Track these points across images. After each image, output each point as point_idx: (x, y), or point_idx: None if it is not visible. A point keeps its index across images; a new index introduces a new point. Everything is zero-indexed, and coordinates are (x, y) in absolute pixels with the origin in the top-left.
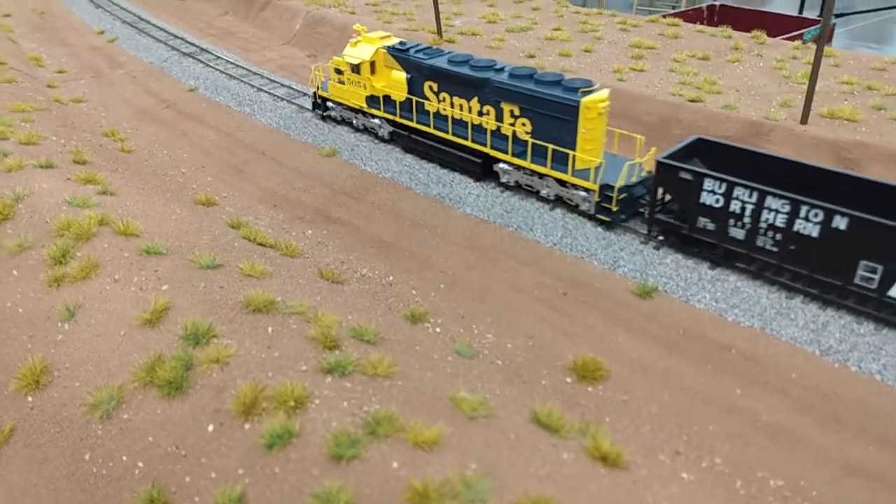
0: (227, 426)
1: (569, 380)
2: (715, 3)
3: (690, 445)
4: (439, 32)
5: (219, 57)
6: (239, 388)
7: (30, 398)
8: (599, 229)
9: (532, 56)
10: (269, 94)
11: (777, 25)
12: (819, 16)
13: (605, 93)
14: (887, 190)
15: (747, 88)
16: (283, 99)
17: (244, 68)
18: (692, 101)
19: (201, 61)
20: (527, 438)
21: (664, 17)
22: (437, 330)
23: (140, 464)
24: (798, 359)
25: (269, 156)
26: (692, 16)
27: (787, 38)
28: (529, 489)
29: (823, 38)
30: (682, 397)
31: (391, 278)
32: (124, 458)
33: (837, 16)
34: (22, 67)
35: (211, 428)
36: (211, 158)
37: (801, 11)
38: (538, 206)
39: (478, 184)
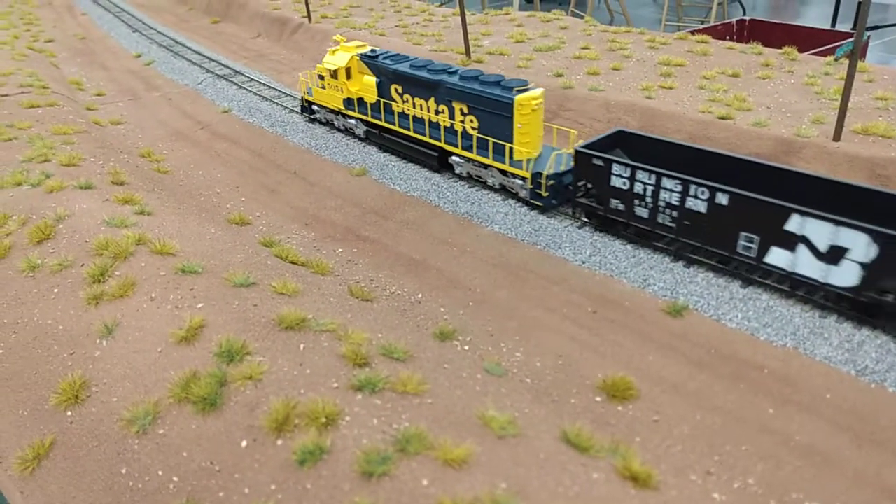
0: (260, 442)
1: (598, 399)
2: (745, 18)
3: (723, 466)
4: (468, 53)
5: (252, 79)
6: (272, 405)
7: (69, 413)
8: (629, 247)
9: (560, 75)
10: (301, 115)
11: (809, 39)
12: (852, 29)
13: (538, 91)
14: (779, 172)
15: (778, 105)
16: (314, 119)
17: (277, 90)
18: (722, 118)
19: (235, 83)
20: (556, 458)
21: (693, 33)
22: (466, 348)
23: (175, 478)
24: (833, 379)
25: (301, 175)
26: (721, 31)
27: (820, 52)
28: None
29: (857, 54)
30: (713, 417)
31: (420, 296)
32: (160, 472)
33: (870, 28)
34: (63, 91)
35: (244, 444)
36: (245, 178)
37: (833, 25)
38: (566, 224)
39: (506, 202)
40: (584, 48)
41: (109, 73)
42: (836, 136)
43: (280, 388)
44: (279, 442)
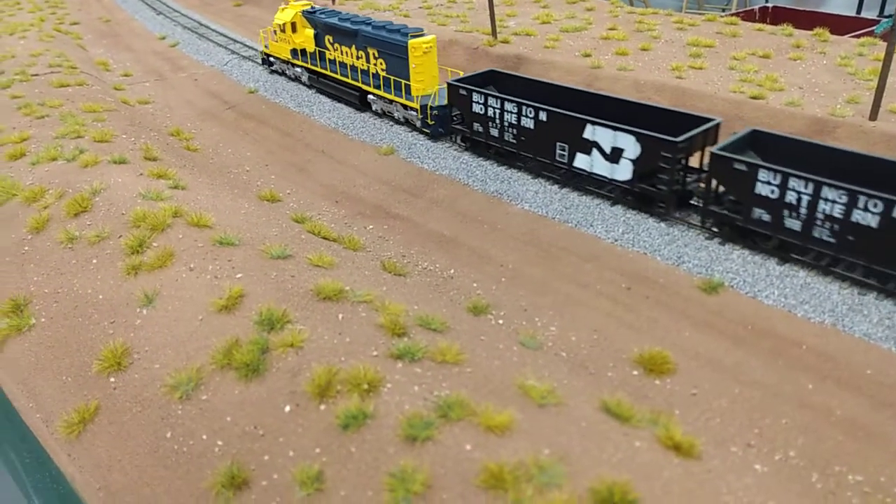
0: (303, 407)
1: (635, 372)
2: (767, 4)
3: (763, 438)
4: (494, 33)
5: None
6: (314, 372)
7: (112, 379)
8: (662, 225)
9: (588, 55)
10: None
11: (834, 26)
12: (879, 16)
13: (430, 37)
14: (603, 98)
15: (811, 86)
16: (340, 99)
17: None
18: (754, 98)
19: (275, 70)
20: (598, 427)
21: (721, 17)
22: (500, 322)
23: (219, 442)
24: (872, 355)
25: (329, 154)
26: (744, 18)
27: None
28: (604, 475)
29: None
30: (752, 391)
31: (452, 272)
32: (204, 436)
33: (889, 16)
34: (91, 71)
35: (287, 409)
36: (273, 157)
37: (859, 11)
38: (598, 202)
39: (536, 180)
40: (611, 29)
41: (135, 55)
42: (873, 116)
43: (321, 355)
44: (322, 407)
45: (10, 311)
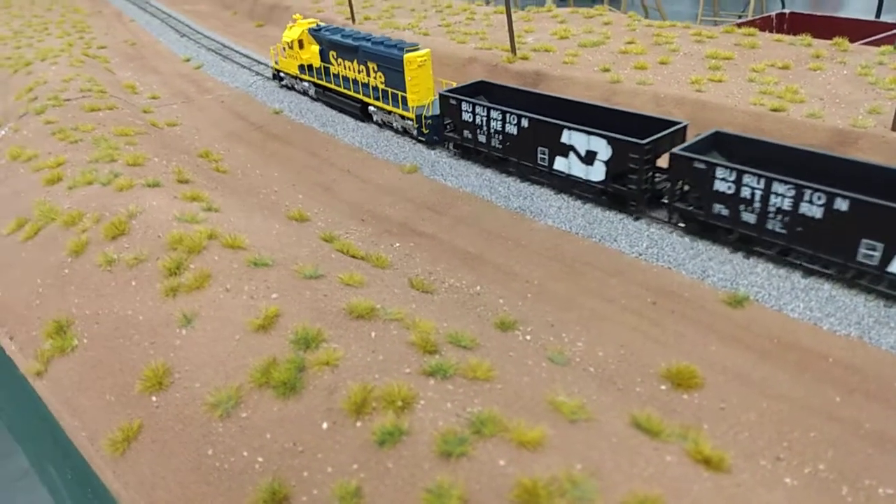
0: (339, 424)
1: (663, 387)
2: (784, 11)
3: (792, 452)
4: (513, 49)
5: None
6: (349, 389)
7: (154, 398)
8: (686, 239)
9: (607, 70)
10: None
11: (852, 31)
12: None
13: (424, 51)
14: (584, 106)
15: (831, 96)
16: (284, 86)
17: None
18: (775, 110)
19: (285, 85)
20: (628, 442)
21: (738, 26)
22: (528, 338)
23: (260, 459)
24: None
25: (354, 174)
26: (760, 25)
27: (866, 45)
28: (636, 489)
29: None
30: (780, 405)
31: (478, 288)
32: (245, 453)
33: None
34: (120, 95)
35: (325, 426)
36: (300, 177)
37: (878, 15)
38: (621, 217)
39: (559, 196)
40: (629, 43)
41: (161, 77)
42: (895, 126)
43: (356, 373)
44: (358, 424)
45: (54, 333)
